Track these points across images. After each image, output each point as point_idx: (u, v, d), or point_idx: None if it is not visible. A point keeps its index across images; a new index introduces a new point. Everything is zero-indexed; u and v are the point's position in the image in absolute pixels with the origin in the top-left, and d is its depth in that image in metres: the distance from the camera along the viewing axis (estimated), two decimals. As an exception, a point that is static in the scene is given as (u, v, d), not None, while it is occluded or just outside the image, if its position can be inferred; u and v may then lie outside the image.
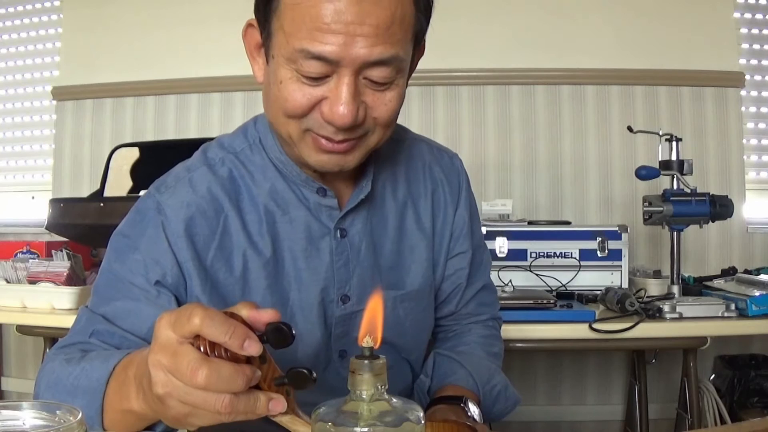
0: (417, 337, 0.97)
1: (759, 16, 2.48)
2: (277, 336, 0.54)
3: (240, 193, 0.85)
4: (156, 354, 0.55)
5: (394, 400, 0.49)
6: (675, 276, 1.79)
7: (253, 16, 0.79)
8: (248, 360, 0.54)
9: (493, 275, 1.89)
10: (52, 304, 1.73)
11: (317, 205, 0.86)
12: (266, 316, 0.55)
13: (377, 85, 0.74)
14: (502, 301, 1.60)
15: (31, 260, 1.85)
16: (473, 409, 0.86)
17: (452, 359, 0.96)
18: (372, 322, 0.52)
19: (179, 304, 0.81)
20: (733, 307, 1.64)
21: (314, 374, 0.54)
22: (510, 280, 1.86)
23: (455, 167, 1.01)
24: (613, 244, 1.96)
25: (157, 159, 2.13)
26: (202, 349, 0.53)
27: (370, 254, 0.89)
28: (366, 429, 0.46)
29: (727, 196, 1.79)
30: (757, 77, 2.47)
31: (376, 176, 0.91)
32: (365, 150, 0.80)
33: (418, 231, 0.95)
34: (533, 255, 1.96)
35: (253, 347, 0.53)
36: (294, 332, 0.54)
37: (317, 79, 0.72)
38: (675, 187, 1.82)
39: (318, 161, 0.79)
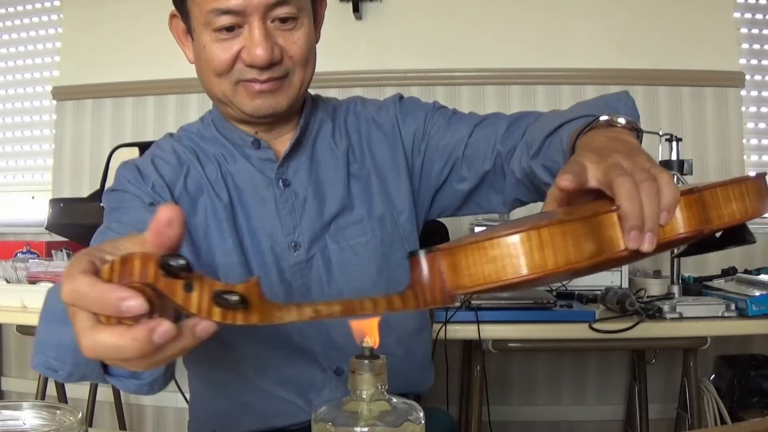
0: (378, 269, 0.98)
1: (759, 16, 2.47)
2: (171, 267, 0.42)
3: (198, 154, 0.99)
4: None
5: (394, 400, 0.49)
6: (675, 276, 1.79)
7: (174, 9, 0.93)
8: (162, 296, 0.43)
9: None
10: (52, 304, 1.73)
11: (257, 159, 0.98)
12: (163, 236, 0.44)
13: (284, 24, 0.88)
14: (502, 301, 1.61)
15: (31, 260, 1.85)
16: (620, 120, 0.71)
17: (545, 143, 0.84)
18: (360, 324, 0.52)
19: None
20: (733, 307, 1.63)
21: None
22: (510, 280, 1.85)
23: (385, 103, 1.08)
24: (613, 244, 1.95)
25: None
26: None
27: (316, 203, 0.97)
28: (366, 429, 0.46)
29: (727, 196, 1.79)
30: (757, 77, 2.47)
31: (318, 134, 1.01)
32: (293, 90, 0.92)
33: (373, 173, 1.01)
34: (533, 255, 1.95)
35: (133, 307, 0.42)
36: (187, 261, 0.42)
37: (231, 31, 0.87)
38: (675, 187, 1.81)
39: (253, 106, 0.91)
